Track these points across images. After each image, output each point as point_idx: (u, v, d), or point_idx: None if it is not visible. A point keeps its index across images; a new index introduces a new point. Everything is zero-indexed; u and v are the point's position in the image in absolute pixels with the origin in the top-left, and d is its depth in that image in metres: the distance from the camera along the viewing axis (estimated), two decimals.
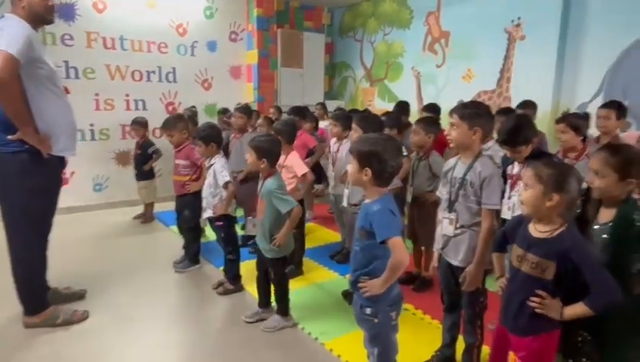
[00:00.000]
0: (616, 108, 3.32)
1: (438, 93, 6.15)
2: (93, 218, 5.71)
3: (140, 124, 5.39)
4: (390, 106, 6.52)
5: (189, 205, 3.87)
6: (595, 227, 1.84)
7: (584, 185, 1.73)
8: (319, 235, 4.95)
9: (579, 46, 4.68)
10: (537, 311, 1.70)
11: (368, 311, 1.90)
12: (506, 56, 5.31)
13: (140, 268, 3.99)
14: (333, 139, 4.12)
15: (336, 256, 4.19)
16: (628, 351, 1.79)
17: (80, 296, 3.36)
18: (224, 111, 6.12)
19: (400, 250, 1.76)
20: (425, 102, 6.28)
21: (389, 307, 1.91)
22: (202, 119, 6.24)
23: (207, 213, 3.48)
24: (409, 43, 6.65)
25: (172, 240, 4.73)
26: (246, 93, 7.27)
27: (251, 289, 3.50)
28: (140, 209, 5.63)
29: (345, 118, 3.96)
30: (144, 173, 5.39)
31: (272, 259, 2.90)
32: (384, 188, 1.89)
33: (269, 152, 2.84)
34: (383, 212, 1.79)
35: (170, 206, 4.28)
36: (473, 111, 2.19)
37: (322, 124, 6.06)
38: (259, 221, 2.93)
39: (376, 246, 1.81)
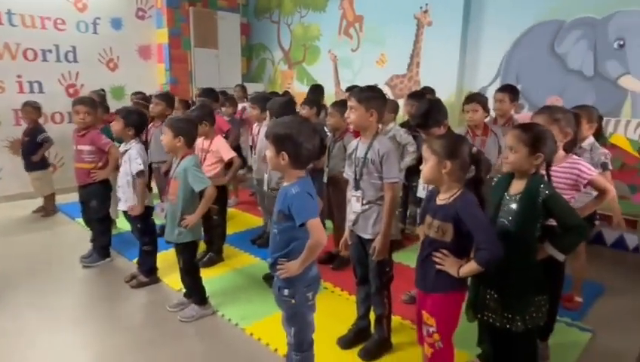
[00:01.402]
0: (509, 91, 3.62)
1: (354, 76, 6.28)
2: None
3: (32, 107, 4.83)
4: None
5: (96, 195, 3.61)
6: (507, 198, 2.03)
7: (474, 150, 1.88)
8: (240, 220, 4.89)
9: (479, 33, 5.02)
10: (437, 266, 1.86)
11: (286, 292, 1.93)
12: (415, 41, 5.55)
13: (43, 266, 3.67)
14: (255, 126, 4.08)
15: (258, 240, 4.17)
16: (528, 308, 2.01)
17: None
18: (136, 94, 5.70)
19: (318, 231, 1.80)
20: (342, 86, 6.41)
21: (306, 288, 1.94)
22: (110, 104, 5.80)
23: (123, 206, 3.27)
24: (325, 26, 6.68)
25: (78, 233, 4.40)
26: (157, 75, 6.89)
27: (168, 280, 3.39)
28: (41, 201, 5.15)
29: (263, 100, 3.91)
30: (35, 164, 4.85)
31: (180, 244, 2.80)
32: (302, 171, 1.91)
33: (186, 131, 2.74)
34: (301, 195, 1.81)
35: (76, 196, 3.94)
36: (369, 95, 2.33)
37: (241, 106, 5.94)
38: (168, 204, 2.82)
39: (294, 228, 1.83)
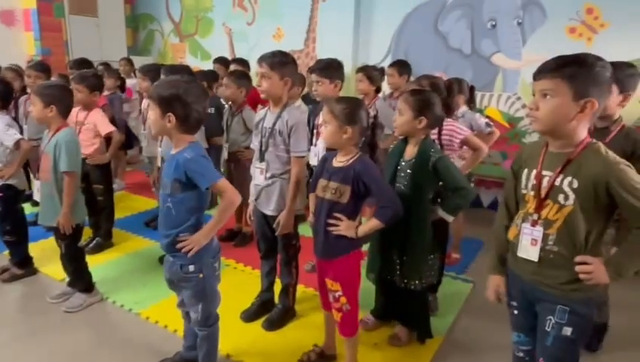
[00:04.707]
0: (398, 66, 3.82)
1: (250, 51, 6.10)
2: None
3: None
4: (204, 64, 6.26)
5: None
6: (403, 163, 2.13)
7: (371, 114, 1.95)
8: (131, 204, 4.55)
9: (371, 10, 5.16)
10: (335, 232, 1.88)
11: (192, 268, 1.80)
12: (310, 16, 5.55)
13: None
14: (145, 101, 3.77)
15: (152, 222, 3.92)
16: (422, 266, 2.16)
17: None
18: None
19: (230, 190, 1.74)
20: None
21: (213, 258, 1.86)
22: None
23: None
24: None
25: None
26: (25, 45, 6.04)
27: (48, 270, 3.05)
28: None
29: (155, 71, 3.63)
30: None
31: (59, 228, 2.51)
32: (192, 136, 1.79)
33: (58, 98, 2.42)
34: (197, 158, 1.71)
35: None
36: (282, 60, 2.21)
37: (129, 82, 5.46)
38: (40, 183, 2.52)
39: (195, 197, 1.74)
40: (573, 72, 1.30)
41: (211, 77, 4.10)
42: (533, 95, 1.40)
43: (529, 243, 1.44)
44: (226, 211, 1.76)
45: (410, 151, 2.13)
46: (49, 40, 6.05)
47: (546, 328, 1.44)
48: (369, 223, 1.89)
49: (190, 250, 1.73)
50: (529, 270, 1.47)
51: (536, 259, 1.43)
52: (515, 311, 1.59)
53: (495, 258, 1.63)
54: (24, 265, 3.00)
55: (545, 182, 1.41)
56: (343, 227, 1.88)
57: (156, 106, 1.70)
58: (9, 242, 2.94)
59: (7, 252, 3.06)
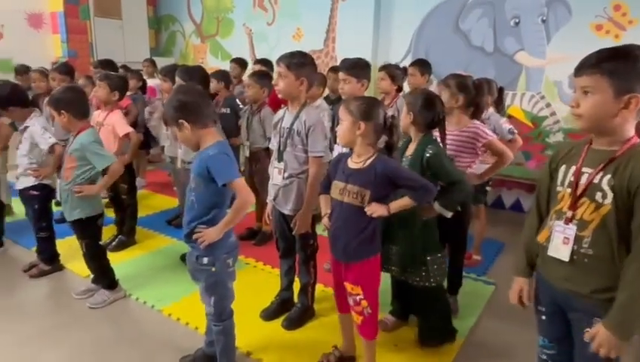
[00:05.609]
0: (419, 65, 3.77)
1: (270, 51, 6.15)
2: None
3: None
4: (224, 65, 6.32)
5: None
6: (404, 160, 2.15)
7: (388, 114, 1.96)
8: (153, 203, 4.63)
9: (391, 9, 5.14)
10: (374, 215, 1.85)
11: (205, 260, 1.86)
12: (330, 16, 5.56)
13: None
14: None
15: (174, 221, 3.98)
16: (425, 265, 2.14)
17: None
18: (24, 70, 5.04)
19: (245, 190, 1.79)
20: None
21: (226, 254, 1.90)
22: None
23: (23, 184, 2.91)
24: None
25: None
26: (53, 47, 6.21)
27: (73, 267, 3.13)
28: None
29: (175, 72, 3.68)
30: None
31: (78, 226, 2.58)
32: (213, 131, 1.86)
33: (69, 103, 2.48)
34: (218, 155, 1.78)
35: None
36: (299, 61, 2.23)
37: (153, 83, 5.56)
38: (62, 182, 2.59)
39: (215, 193, 1.78)
40: (614, 67, 1.22)
41: (228, 77, 4.15)
42: (574, 91, 1.33)
43: (561, 242, 1.37)
44: (238, 210, 1.81)
45: (412, 148, 2.16)
46: (75, 42, 6.21)
47: (586, 339, 1.36)
48: (401, 200, 1.88)
49: (203, 242, 1.80)
50: (560, 275, 1.39)
51: (566, 259, 1.35)
52: (543, 317, 1.53)
53: (523, 260, 1.56)
54: (51, 261, 3.09)
55: (583, 179, 1.34)
56: (376, 209, 1.85)
57: (174, 126, 1.82)
58: (44, 238, 3.03)
59: (34, 248, 3.16)
